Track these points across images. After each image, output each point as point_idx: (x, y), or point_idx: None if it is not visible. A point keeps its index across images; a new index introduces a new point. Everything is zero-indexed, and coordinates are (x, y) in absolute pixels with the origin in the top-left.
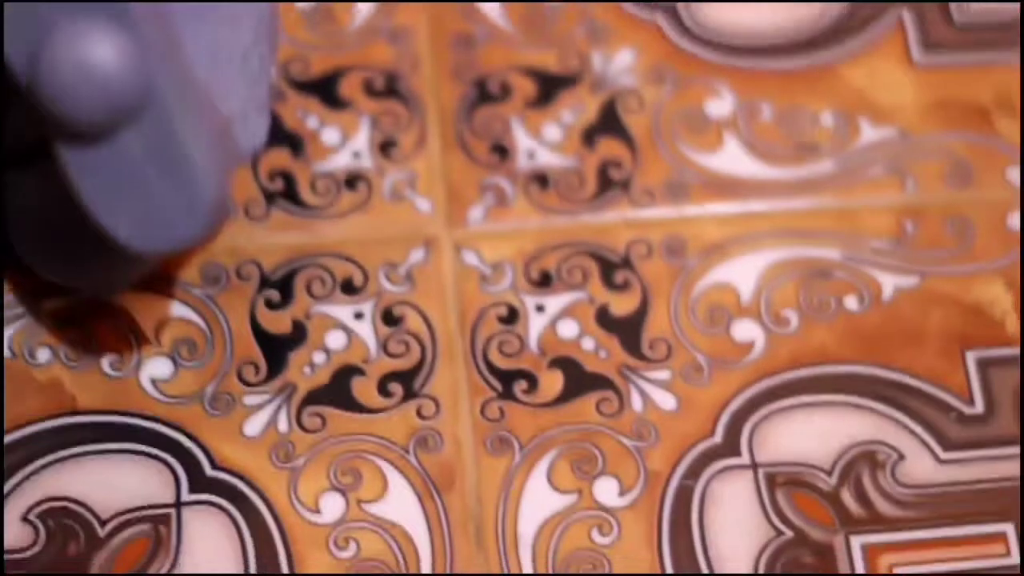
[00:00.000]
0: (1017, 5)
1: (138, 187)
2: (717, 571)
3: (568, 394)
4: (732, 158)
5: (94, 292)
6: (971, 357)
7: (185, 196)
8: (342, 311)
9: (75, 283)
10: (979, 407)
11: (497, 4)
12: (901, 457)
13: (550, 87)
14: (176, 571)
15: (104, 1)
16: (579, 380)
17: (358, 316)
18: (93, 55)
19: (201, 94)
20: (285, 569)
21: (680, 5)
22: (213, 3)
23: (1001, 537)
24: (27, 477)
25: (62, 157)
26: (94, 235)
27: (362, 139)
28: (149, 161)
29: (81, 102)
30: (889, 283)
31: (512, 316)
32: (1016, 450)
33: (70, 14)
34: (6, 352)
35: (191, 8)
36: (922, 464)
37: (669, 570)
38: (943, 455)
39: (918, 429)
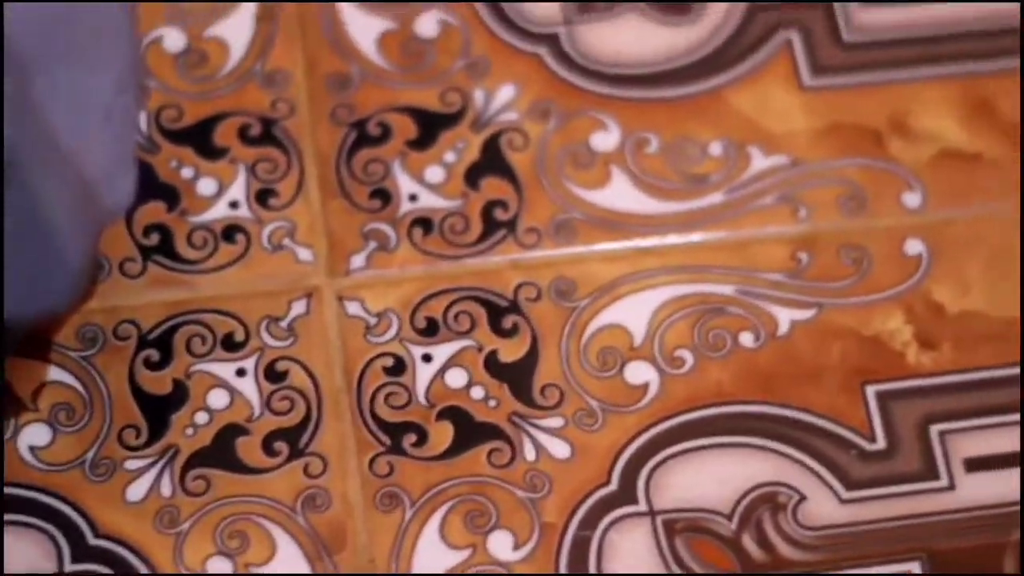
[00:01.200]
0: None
1: (2, 256)
2: None
3: (458, 446)
4: (619, 193)
5: None
6: (871, 391)
7: (49, 262)
8: (224, 368)
9: None
10: (881, 443)
11: (372, 41)
12: (803, 498)
13: (431, 126)
14: None
15: None
16: (469, 431)
17: (240, 373)
18: None
19: (62, 155)
20: None
21: (562, 33)
22: (68, 53)
23: None
24: None
25: None
26: None
27: (239, 188)
28: (13, 230)
29: None
30: (785, 317)
31: (399, 367)
32: (920, 486)
33: None
34: None
35: (48, 58)
36: (824, 504)
37: None
38: (845, 494)
39: (819, 468)
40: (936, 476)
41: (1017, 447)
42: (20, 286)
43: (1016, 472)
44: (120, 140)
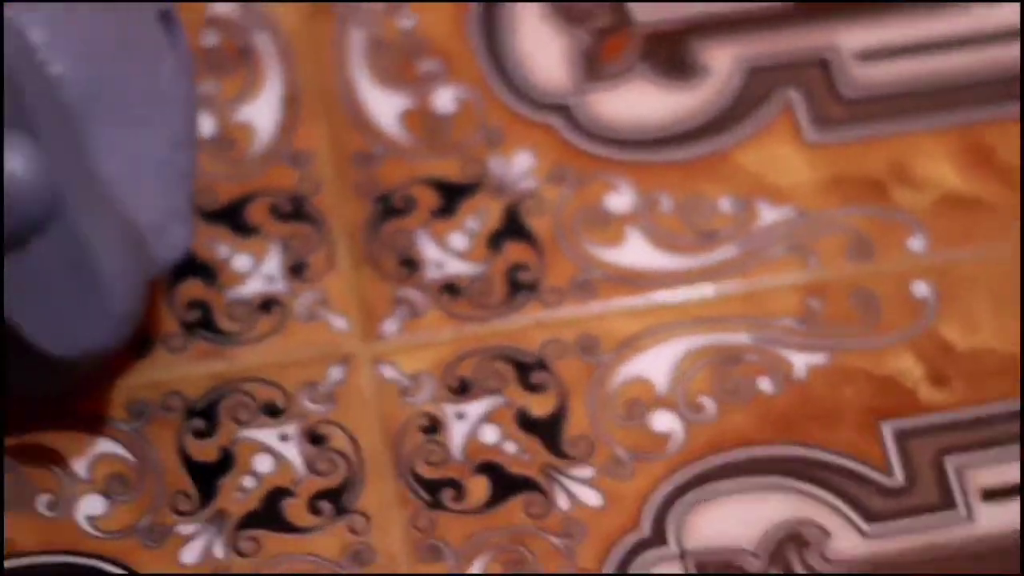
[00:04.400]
0: (909, 77)
1: (50, 295)
2: None
3: (495, 499)
4: (636, 251)
5: (28, 393)
6: (887, 429)
7: (96, 305)
8: (267, 435)
9: (8, 386)
10: (899, 478)
11: (393, 118)
12: (827, 534)
13: (453, 196)
14: None
15: (10, 113)
16: (504, 484)
17: (283, 438)
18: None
19: (112, 205)
20: None
21: (573, 103)
22: (126, 108)
23: None
24: None
25: None
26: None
27: (273, 263)
28: (60, 270)
29: None
30: (800, 361)
31: (434, 426)
32: (939, 517)
33: None
34: None
35: (102, 114)
36: (848, 539)
37: None
38: (867, 529)
39: (841, 505)
40: (954, 506)
41: None
42: (63, 323)
43: None
44: (173, 193)
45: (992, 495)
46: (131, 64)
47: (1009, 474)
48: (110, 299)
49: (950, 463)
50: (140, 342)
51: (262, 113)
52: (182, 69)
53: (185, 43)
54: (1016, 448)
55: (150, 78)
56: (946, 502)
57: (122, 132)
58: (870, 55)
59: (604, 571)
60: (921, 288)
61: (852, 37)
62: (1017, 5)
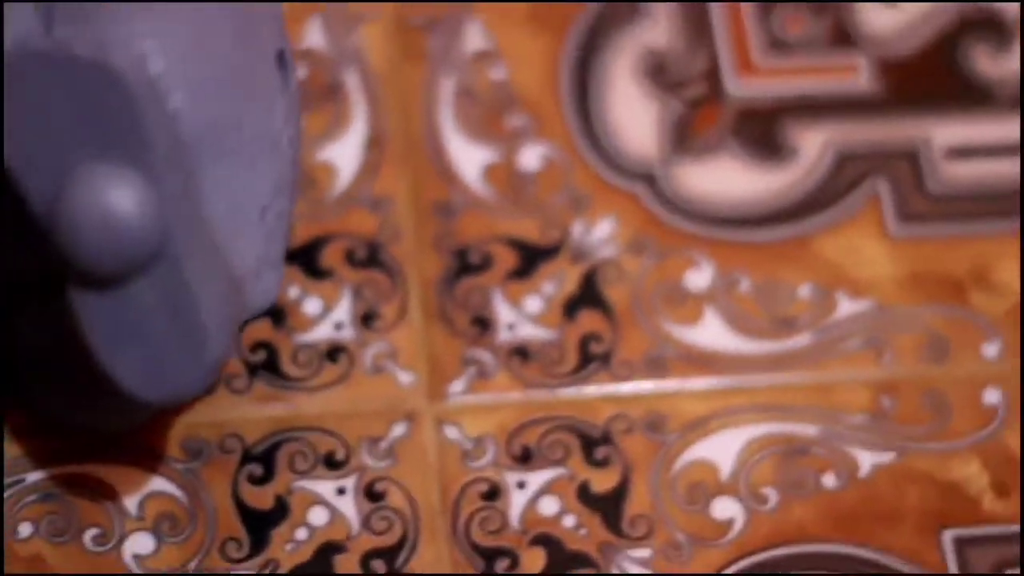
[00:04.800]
0: (996, 179)
1: (144, 336)
2: None
3: (550, 572)
4: (711, 331)
5: (93, 427)
6: (948, 536)
7: (190, 350)
8: (324, 487)
9: (73, 419)
10: None
11: (476, 171)
12: None
13: (531, 257)
14: None
15: (127, 145)
16: (560, 558)
17: (340, 492)
18: (113, 204)
19: (216, 248)
20: None
21: (659, 173)
22: (234, 151)
23: None
24: None
25: (71, 299)
26: (95, 375)
27: (344, 310)
28: (158, 312)
29: (97, 251)
30: (866, 460)
31: (493, 492)
32: None
33: (93, 157)
34: None
35: (214, 153)
36: None
37: None
38: None
39: None
40: None
41: None
42: (154, 366)
43: None
44: (271, 240)
45: None
46: (247, 103)
47: None
48: (205, 346)
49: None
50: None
51: (345, 154)
52: (292, 112)
53: (296, 85)
54: None
55: (263, 119)
56: None
57: (231, 173)
58: (960, 152)
59: None
60: (992, 395)
61: (943, 132)
62: None
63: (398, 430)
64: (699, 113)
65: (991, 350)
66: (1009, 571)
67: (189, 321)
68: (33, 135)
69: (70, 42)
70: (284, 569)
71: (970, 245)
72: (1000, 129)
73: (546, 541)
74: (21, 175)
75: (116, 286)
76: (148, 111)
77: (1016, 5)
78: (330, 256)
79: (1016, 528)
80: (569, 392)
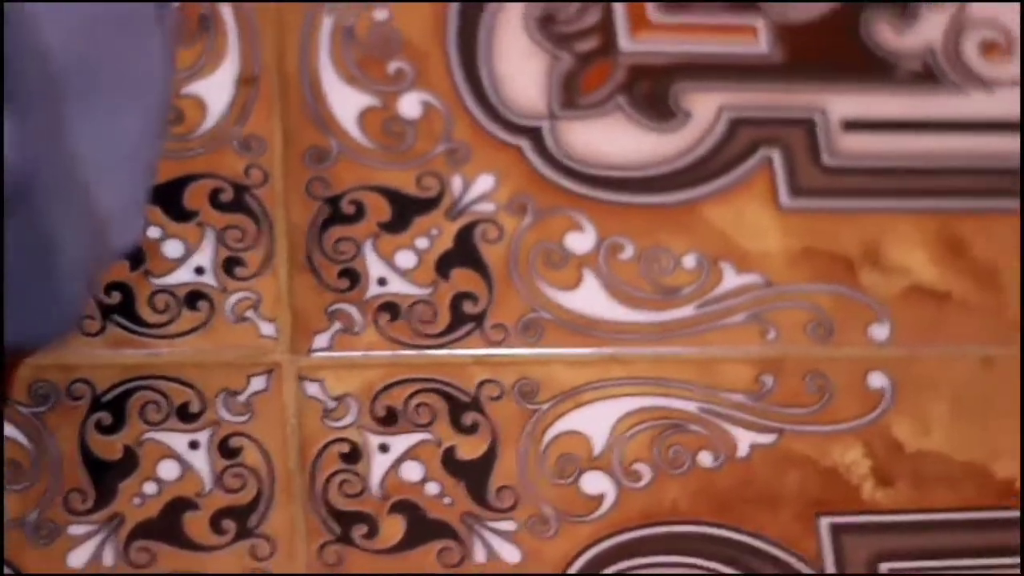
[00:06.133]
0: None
1: (6, 279)
2: None
3: (409, 542)
4: (590, 298)
5: None
6: (825, 523)
7: (51, 293)
8: (177, 439)
9: None
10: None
11: (353, 116)
12: None
13: (405, 210)
14: None
15: None
16: (421, 527)
17: (193, 446)
18: None
19: (82, 191)
20: None
21: (545, 128)
22: (110, 87)
23: None
24: None
25: None
26: None
27: (206, 254)
28: (19, 253)
29: None
30: (745, 440)
31: (354, 454)
32: None
33: None
34: None
35: (85, 91)
36: None
37: None
38: None
39: None
40: None
41: None
42: (19, 313)
43: None
44: (137, 183)
45: None
46: (120, 41)
47: None
48: (68, 290)
49: (884, 568)
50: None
51: (215, 90)
52: (166, 52)
53: (173, 24)
54: (953, 562)
55: (137, 58)
56: None
57: (101, 113)
58: (856, 125)
59: None
60: (878, 379)
61: (841, 103)
62: (1014, 95)
63: (257, 384)
64: (589, 68)
65: (880, 332)
66: (886, 564)
67: (50, 265)
68: None
69: None
70: (130, 525)
71: (863, 221)
72: (899, 103)
73: (407, 508)
74: None
75: None
76: (16, 47)
77: None
78: (194, 197)
79: (898, 518)
80: (439, 354)
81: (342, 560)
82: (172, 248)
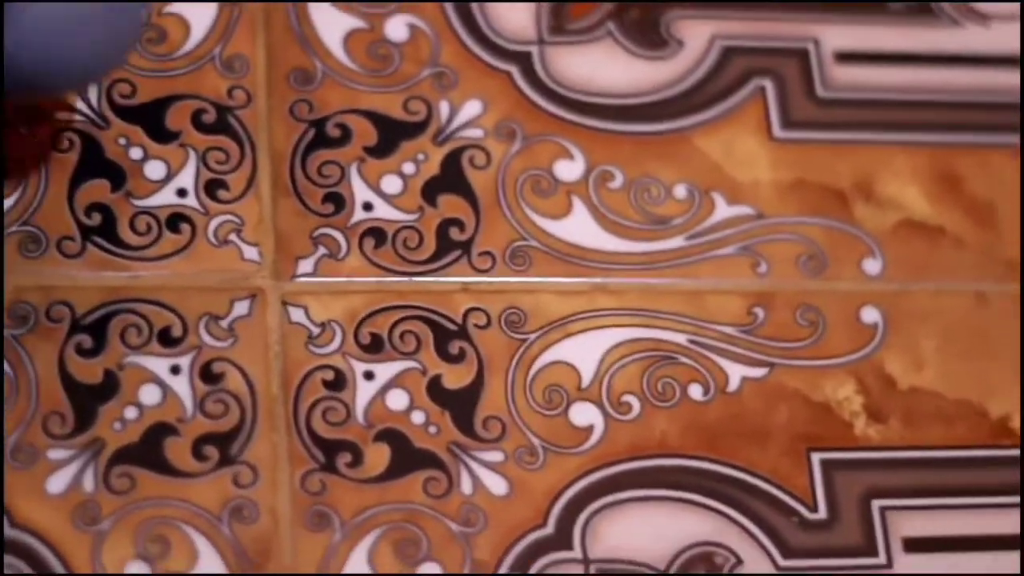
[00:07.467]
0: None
1: None
2: None
3: (394, 471)
4: (579, 226)
5: None
6: (816, 459)
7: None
8: (158, 363)
9: None
10: (822, 512)
11: (339, 38)
12: (739, 561)
13: (392, 134)
14: None
15: None
16: (406, 456)
17: (175, 370)
18: None
19: None
20: None
21: (535, 53)
22: None
23: None
24: None
25: None
26: None
27: (188, 176)
28: None
29: None
30: (736, 373)
31: (339, 381)
32: (857, 561)
33: None
34: None
35: None
36: (760, 570)
37: None
38: (782, 562)
39: (758, 533)
40: (874, 553)
41: (956, 532)
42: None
43: (950, 558)
44: None
45: (914, 546)
46: None
47: (936, 525)
48: None
49: (876, 505)
50: (32, 238)
51: (197, 8)
52: None
53: None
54: (945, 500)
55: None
56: (866, 546)
57: None
58: (852, 56)
59: (501, 568)
60: (871, 314)
61: (835, 34)
62: (1012, 30)
63: (240, 308)
64: None
65: (873, 267)
66: (878, 501)
67: None
68: None
69: None
70: (110, 450)
71: (856, 154)
72: (895, 36)
73: (392, 437)
74: None
75: None
76: None
77: None
78: (176, 117)
79: (889, 454)
80: (425, 281)
81: (326, 488)
82: (154, 169)
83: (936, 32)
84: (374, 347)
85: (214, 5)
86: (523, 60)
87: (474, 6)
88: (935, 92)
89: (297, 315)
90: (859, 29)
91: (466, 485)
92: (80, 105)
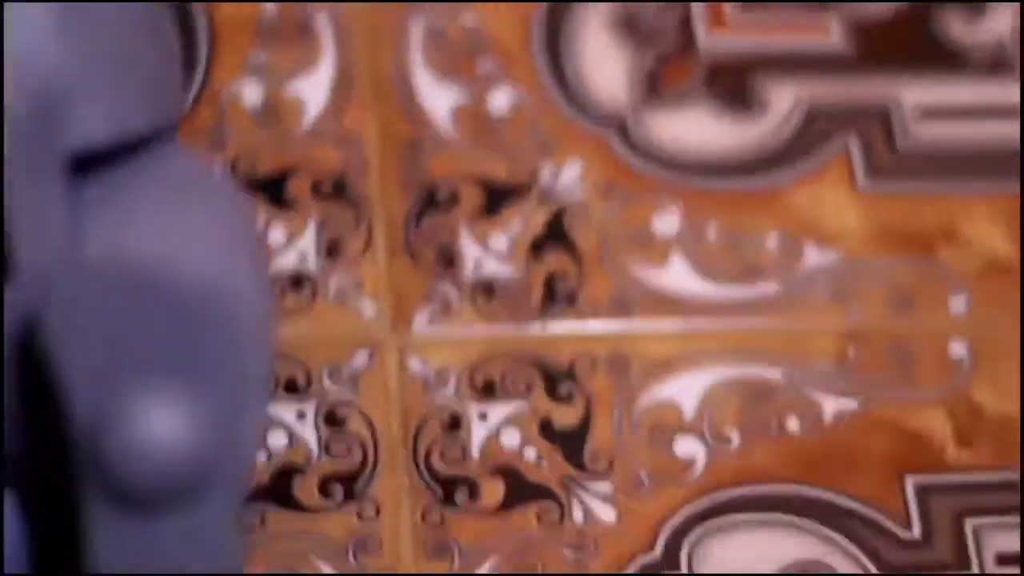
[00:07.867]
0: (966, 140)
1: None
2: None
3: (509, 503)
4: (678, 275)
5: None
6: (910, 483)
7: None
8: (284, 411)
9: None
10: (916, 532)
11: (446, 112)
12: None
13: (498, 197)
14: None
15: (186, 370)
16: (520, 490)
17: (300, 416)
18: (165, 432)
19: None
20: None
21: (629, 118)
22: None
23: None
24: None
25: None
26: None
27: (308, 240)
28: (177, 550)
29: (137, 478)
30: (831, 405)
31: (455, 423)
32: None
33: (148, 376)
34: None
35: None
36: None
37: None
38: None
39: (856, 552)
40: (968, 567)
41: None
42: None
43: None
44: None
45: (1006, 560)
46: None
47: None
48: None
49: (969, 524)
50: None
51: (313, 90)
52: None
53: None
54: None
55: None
56: (960, 561)
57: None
58: (930, 113)
59: None
60: (959, 348)
61: (914, 93)
62: None
63: (360, 359)
64: (670, 65)
65: (958, 304)
66: (971, 520)
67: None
68: (88, 347)
69: (135, 256)
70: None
71: (939, 203)
72: (971, 92)
73: (506, 472)
74: (70, 385)
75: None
76: (213, 335)
77: None
78: (296, 187)
79: (979, 477)
80: (533, 329)
81: (445, 520)
82: (276, 235)
83: (1008, 87)
84: (487, 391)
85: (328, 86)
86: (619, 126)
87: (571, 79)
88: (1010, 143)
89: (415, 364)
90: (937, 88)
91: (578, 515)
92: None
